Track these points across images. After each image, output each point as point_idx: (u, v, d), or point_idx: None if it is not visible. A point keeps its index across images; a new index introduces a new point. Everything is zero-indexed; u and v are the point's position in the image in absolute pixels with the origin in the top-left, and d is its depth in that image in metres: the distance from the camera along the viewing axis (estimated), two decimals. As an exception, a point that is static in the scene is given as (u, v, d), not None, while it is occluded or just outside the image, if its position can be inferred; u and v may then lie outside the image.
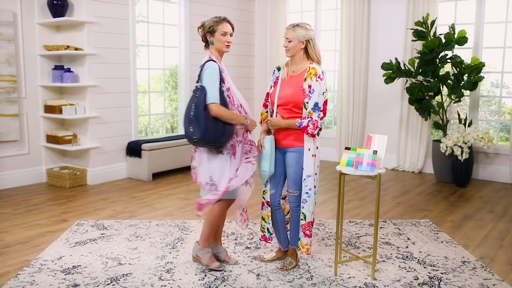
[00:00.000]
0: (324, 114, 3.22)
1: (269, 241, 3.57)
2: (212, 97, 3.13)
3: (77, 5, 5.92)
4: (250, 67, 8.37)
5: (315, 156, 3.32)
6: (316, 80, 3.19)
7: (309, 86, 3.19)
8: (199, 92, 3.15)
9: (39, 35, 5.96)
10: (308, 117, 3.21)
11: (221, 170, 3.23)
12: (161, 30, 6.96)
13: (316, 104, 3.18)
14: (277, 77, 3.41)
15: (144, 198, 5.44)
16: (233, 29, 3.29)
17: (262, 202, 3.51)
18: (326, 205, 5.21)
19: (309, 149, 3.28)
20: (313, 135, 3.23)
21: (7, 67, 5.66)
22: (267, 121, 3.44)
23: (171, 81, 7.35)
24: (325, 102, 3.23)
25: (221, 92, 3.18)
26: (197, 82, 3.22)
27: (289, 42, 3.24)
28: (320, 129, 3.23)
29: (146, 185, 6.03)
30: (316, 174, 3.35)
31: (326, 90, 3.24)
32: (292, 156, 3.31)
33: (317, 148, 3.33)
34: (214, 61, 3.21)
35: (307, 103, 3.19)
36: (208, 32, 3.24)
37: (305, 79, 3.22)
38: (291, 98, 3.25)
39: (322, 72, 3.23)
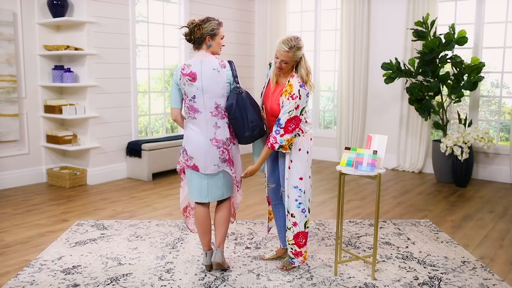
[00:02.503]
0: (286, 131, 3.10)
1: (268, 232, 3.73)
2: None
3: (77, 5, 5.92)
4: (250, 67, 8.37)
5: (289, 168, 3.26)
6: (288, 99, 3.10)
7: (282, 102, 3.14)
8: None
9: (39, 35, 5.96)
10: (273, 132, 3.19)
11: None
12: (161, 30, 6.96)
13: (278, 119, 3.14)
14: (268, 76, 3.38)
15: (144, 198, 5.44)
16: None
17: (266, 197, 3.62)
18: (326, 205, 5.21)
19: (291, 161, 3.25)
20: (272, 147, 3.15)
21: (7, 67, 5.66)
22: None
23: (171, 81, 7.35)
24: (289, 120, 3.09)
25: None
26: (236, 83, 3.18)
27: (285, 64, 3.13)
28: (283, 147, 3.14)
29: (146, 185, 6.03)
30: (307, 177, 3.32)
31: (297, 108, 3.09)
32: (282, 155, 3.31)
33: (307, 152, 3.28)
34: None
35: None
36: (209, 35, 3.15)
37: (281, 94, 3.17)
38: (275, 112, 3.21)
39: (299, 90, 3.09)
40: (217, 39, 3.17)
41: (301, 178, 3.25)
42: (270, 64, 3.37)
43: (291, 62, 3.13)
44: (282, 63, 3.13)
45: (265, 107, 3.32)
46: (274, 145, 3.14)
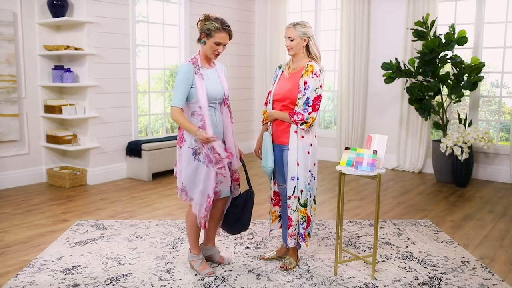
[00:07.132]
0: (313, 109, 3.23)
1: (269, 235, 3.68)
2: (174, 101, 3.08)
3: (77, 5, 5.92)
4: (250, 67, 8.36)
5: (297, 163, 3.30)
6: (312, 77, 3.22)
7: (305, 83, 3.23)
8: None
9: (39, 35, 5.96)
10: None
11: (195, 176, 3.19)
12: (161, 30, 6.96)
13: (307, 99, 3.22)
14: (277, 75, 3.46)
15: (144, 198, 5.44)
16: (230, 38, 3.19)
17: (270, 198, 3.60)
18: (326, 205, 5.21)
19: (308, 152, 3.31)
20: (295, 122, 3.23)
21: (7, 67, 5.66)
22: (267, 122, 3.46)
23: (171, 81, 7.35)
24: (316, 98, 3.23)
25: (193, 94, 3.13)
26: (249, 186, 3.39)
27: (292, 40, 3.27)
28: (307, 123, 3.22)
29: (146, 185, 6.03)
30: (309, 172, 3.34)
31: (321, 86, 3.26)
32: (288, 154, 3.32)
33: (311, 145, 3.31)
34: (191, 62, 3.15)
35: (299, 98, 3.23)
36: (204, 32, 3.16)
37: (302, 76, 3.26)
38: (287, 94, 3.29)
39: (320, 70, 3.27)
40: (210, 41, 3.14)
41: (298, 164, 3.28)
42: (279, 67, 3.48)
43: (297, 39, 3.26)
44: (289, 40, 3.27)
45: (277, 100, 3.34)
46: (298, 121, 3.22)
